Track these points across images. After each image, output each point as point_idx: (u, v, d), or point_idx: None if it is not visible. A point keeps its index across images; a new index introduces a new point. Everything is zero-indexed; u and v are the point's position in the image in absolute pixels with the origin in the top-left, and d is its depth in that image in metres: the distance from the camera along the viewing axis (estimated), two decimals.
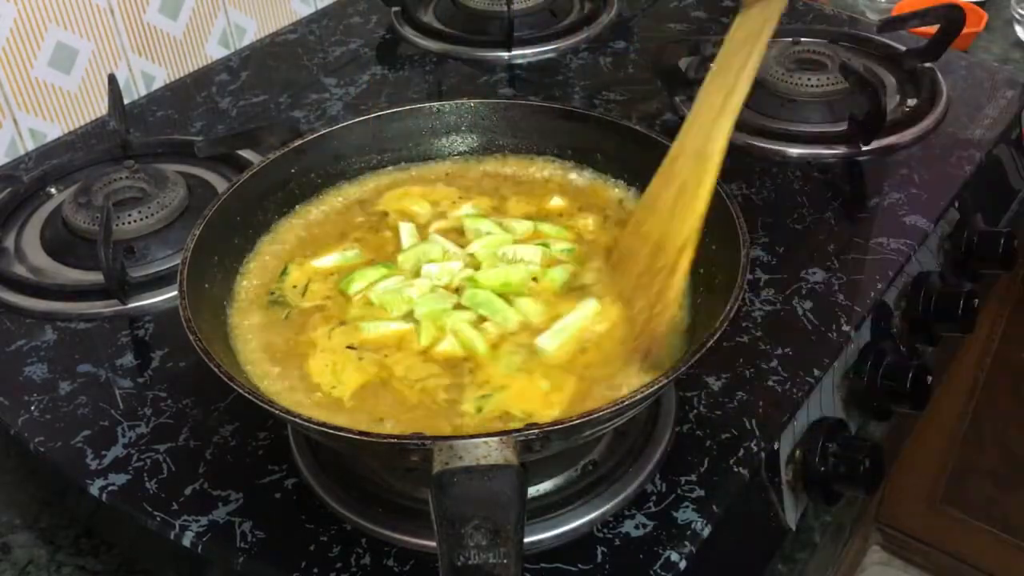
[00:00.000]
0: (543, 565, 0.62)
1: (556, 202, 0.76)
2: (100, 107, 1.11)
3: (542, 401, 0.60)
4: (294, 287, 0.70)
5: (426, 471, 0.49)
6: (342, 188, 0.78)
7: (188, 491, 0.67)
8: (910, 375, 0.82)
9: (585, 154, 0.78)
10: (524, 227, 0.73)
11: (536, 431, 0.50)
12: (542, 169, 0.79)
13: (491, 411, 0.59)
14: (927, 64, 1.10)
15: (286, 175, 0.74)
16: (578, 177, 0.78)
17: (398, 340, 0.65)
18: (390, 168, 0.80)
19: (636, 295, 0.63)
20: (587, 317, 0.65)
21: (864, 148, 0.98)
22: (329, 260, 0.72)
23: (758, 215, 0.91)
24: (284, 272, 0.71)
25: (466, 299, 0.66)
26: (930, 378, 0.83)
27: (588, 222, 0.73)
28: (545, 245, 0.71)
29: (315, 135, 0.75)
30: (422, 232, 0.74)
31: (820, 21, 1.25)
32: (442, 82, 1.17)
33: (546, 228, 0.73)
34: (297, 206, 0.76)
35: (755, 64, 0.62)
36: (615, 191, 0.77)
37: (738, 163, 0.98)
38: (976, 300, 0.90)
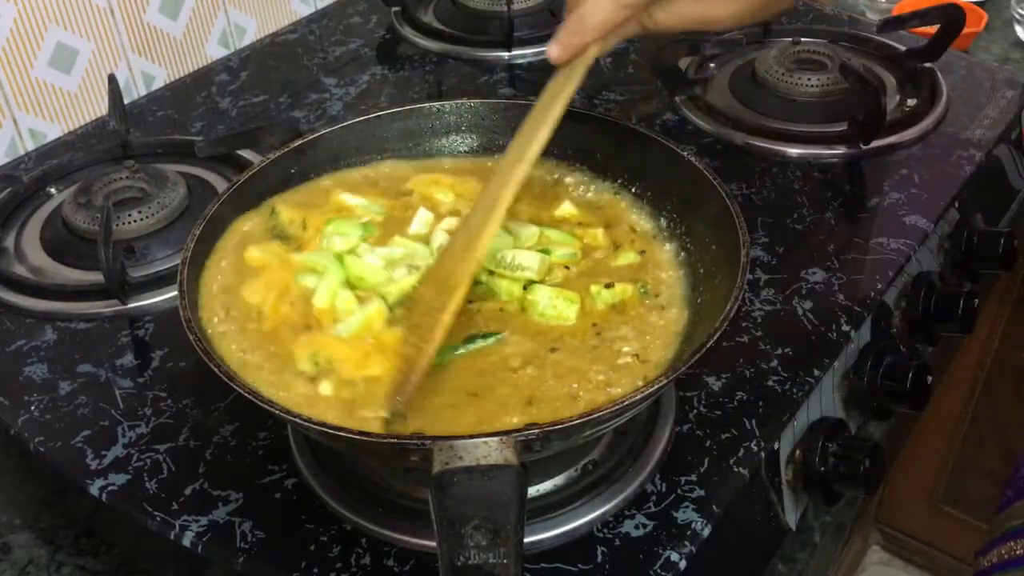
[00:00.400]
0: (543, 565, 0.62)
1: (567, 208, 0.75)
2: (100, 107, 1.11)
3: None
4: (291, 223, 0.72)
5: (426, 471, 0.49)
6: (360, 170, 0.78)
7: (188, 491, 0.67)
8: (910, 375, 0.82)
9: (585, 154, 0.78)
10: (530, 232, 0.72)
11: (536, 431, 0.50)
12: (552, 172, 0.79)
13: (323, 367, 0.62)
14: (927, 64, 1.10)
15: (286, 175, 0.74)
16: (587, 181, 0.78)
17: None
18: (422, 158, 0.80)
19: (411, 333, 0.63)
20: (360, 322, 0.65)
21: (864, 148, 0.99)
22: (354, 200, 0.74)
23: (758, 215, 0.91)
24: (273, 212, 0.72)
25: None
26: (930, 378, 0.83)
27: (598, 232, 0.72)
28: (546, 251, 0.70)
29: (315, 135, 0.75)
30: (436, 223, 0.73)
31: (820, 21, 1.25)
32: (442, 82, 1.17)
33: (552, 234, 0.72)
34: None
35: (555, 118, 0.65)
36: (612, 195, 0.76)
37: (738, 163, 0.98)
38: (976, 300, 0.90)
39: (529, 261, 0.68)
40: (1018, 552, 0.86)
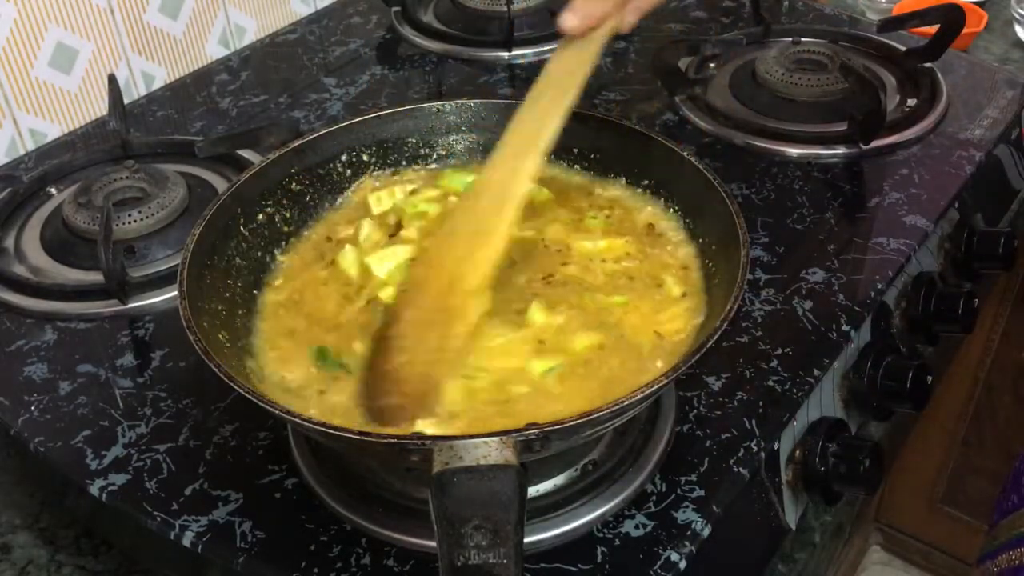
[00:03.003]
0: (543, 565, 0.62)
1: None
2: (100, 107, 1.11)
3: None
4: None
5: (426, 471, 0.49)
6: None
7: (188, 491, 0.67)
8: (910, 375, 0.82)
9: (584, 155, 0.78)
10: None
11: (536, 431, 0.50)
12: (551, 172, 0.78)
13: None
14: (927, 64, 1.10)
15: (286, 175, 0.74)
16: (588, 183, 0.78)
17: None
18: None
19: (425, 332, 0.59)
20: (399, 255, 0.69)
21: (864, 148, 0.98)
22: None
23: (758, 215, 0.91)
24: None
25: None
26: (930, 378, 0.83)
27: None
28: None
29: (315, 135, 0.75)
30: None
31: (820, 21, 1.25)
32: (442, 82, 1.17)
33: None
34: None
35: (566, 106, 0.61)
36: (615, 192, 0.76)
37: (738, 163, 0.98)
38: (976, 300, 0.90)
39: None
40: None
